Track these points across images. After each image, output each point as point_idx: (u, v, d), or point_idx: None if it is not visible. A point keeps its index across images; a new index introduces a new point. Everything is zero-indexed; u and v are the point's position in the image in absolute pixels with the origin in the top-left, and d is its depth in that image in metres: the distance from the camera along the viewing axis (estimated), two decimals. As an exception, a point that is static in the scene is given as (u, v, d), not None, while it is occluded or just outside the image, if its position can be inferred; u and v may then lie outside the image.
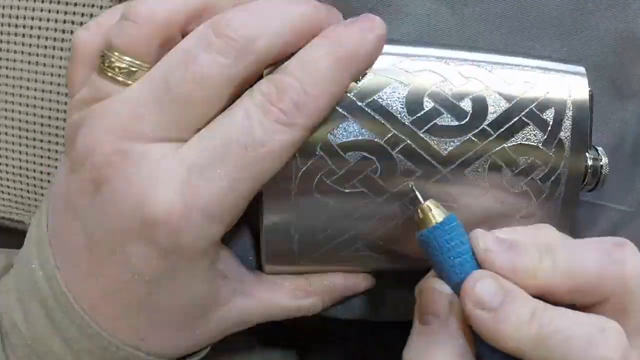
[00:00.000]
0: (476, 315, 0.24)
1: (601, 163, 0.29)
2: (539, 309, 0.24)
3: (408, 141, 0.26)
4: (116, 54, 0.24)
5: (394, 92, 0.26)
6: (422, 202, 0.27)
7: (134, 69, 0.24)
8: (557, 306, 0.24)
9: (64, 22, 0.32)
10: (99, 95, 0.24)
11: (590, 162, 0.29)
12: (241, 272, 0.28)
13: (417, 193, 0.27)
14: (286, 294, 0.29)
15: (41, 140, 0.35)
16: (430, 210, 0.26)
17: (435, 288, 0.26)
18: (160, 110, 0.23)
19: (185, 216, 0.23)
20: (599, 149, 0.30)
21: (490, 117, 0.27)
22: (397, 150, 0.26)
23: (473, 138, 0.27)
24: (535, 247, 0.25)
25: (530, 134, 0.28)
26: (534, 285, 0.24)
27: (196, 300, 0.26)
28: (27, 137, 0.35)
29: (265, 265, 0.29)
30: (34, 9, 0.33)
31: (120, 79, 0.24)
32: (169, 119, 0.23)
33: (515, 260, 0.25)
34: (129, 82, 0.24)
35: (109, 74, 0.24)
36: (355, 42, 0.24)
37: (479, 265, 0.25)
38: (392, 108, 0.26)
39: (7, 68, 0.34)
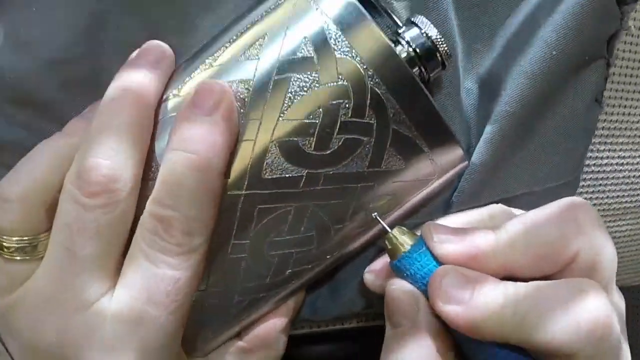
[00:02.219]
0: (449, 311, 0.23)
1: (428, 36, 0.26)
2: (510, 289, 0.23)
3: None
4: (4, 237, 0.25)
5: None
6: (389, 231, 0.26)
7: (34, 244, 0.25)
8: (529, 282, 0.24)
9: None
10: (14, 282, 0.25)
11: (407, 49, 0.27)
12: None
13: (382, 223, 0.27)
14: None
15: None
16: (397, 239, 0.26)
17: (400, 287, 0.26)
18: (77, 277, 0.24)
19: None
20: (419, 19, 0.27)
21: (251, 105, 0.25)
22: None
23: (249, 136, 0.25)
24: (489, 229, 0.25)
25: (299, 86, 0.25)
26: (497, 265, 0.24)
27: None
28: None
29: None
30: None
31: (19, 258, 0.25)
32: (88, 281, 0.24)
33: (473, 247, 0.24)
34: (35, 256, 0.25)
35: (7, 257, 0.25)
36: (208, 139, 0.24)
37: None
38: None
39: None
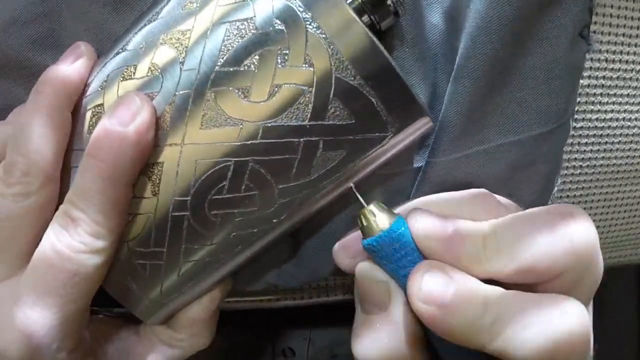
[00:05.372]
0: (427, 312, 0.22)
1: None
2: (493, 297, 0.22)
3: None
4: None
5: None
6: (365, 205, 0.25)
7: None
8: (510, 290, 0.23)
9: None
10: None
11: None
12: (122, 337, 0.30)
13: (358, 196, 0.25)
14: (164, 346, 0.30)
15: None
16: (374, 215, 0.24)
17: (373, 275, 0.25)
18: None
19: (39, 340, 0.25)
20: None
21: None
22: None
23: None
24: (478, 229, 0.23)
25: (236, 33, 0.24)
26: (480, 270, 0.23)
27: None
28: None
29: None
30: None
31: None
32: None
33: (459, 249, 0.23)
34: None
35: None
36: (116, 149, 0.24)
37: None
38: None
39: None
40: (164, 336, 0.30)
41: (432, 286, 0.22)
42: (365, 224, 0.24)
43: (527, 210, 0.25)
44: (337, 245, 0.28)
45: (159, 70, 0.25)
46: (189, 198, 0.26)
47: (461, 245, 0.23)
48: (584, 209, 0.33)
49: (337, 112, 0.24)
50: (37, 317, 0.25)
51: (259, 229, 0.26)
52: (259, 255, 0.28)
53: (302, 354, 0.41)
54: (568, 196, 0.33)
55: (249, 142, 0.25)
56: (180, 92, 0.25)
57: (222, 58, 0.24)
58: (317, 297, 0.33)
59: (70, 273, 0.25)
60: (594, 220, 0.34)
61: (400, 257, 0.24)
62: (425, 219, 0.24)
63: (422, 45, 0.27)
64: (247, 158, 0.25)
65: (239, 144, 0.25)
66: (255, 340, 0.41)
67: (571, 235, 0.23)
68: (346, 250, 0.27)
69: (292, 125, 0.24)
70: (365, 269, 0.25)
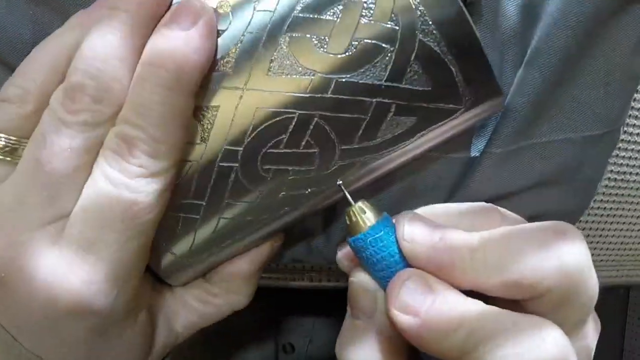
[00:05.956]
0: (401, 321, 0.22)
1: None
2: (469, 312, 0.22)
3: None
4: None
5: None
6: (353, 203, 0.24)
7: (16, 146, 0.24)
8: (491, 307, 0.22)
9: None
10: None
11: None
12: (155, 293, 0.28)
13: (346, 194, 0.24)
14: (198, 303, 0.28)
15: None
16: (359, 214, 0.24)
17: (361, 283, 0.25)
18: (38, 192, 0.23)
19: (90, 297, 0.23)
20: None
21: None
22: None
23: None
24: (466, 240, 0.23)
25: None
26: (465, 280, 0.22)
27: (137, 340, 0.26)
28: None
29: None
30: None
31: (1, 157, 0.24)
32: (47, 199, 0.23)
33: (443, 257, 0.22)
34: (14, 160, 0.24)
35: None
36: (179, 55, 0.22)
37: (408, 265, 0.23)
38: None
39: None
40: (198, 292, 0.28)
41: (410, 295, 0.22)
42: (350, 221, 0.24)
43: (520, 225, 0.24)
44: (339, 252, 0.27)
45: (229, 8, 0.23)
46: (241, 148, 0.24)
47: (446, 254, 0.23)
48: (615, 223, 0.33)
49: (415, 77, 0.23)
50: (93, 260, 0.22)
51: (311, 190, 0.25)
52: (301, 221, 0.26)
53: (301, 350, 0.40)
54: (599, 207, 0.33)
55: (319, 95, 0.23)
56: (250, 33, 0.23)
57: (302, 3, 0.23)
58: (335, 282, 0.31)
59: (128, 203, 0.22)
60: (623, 236, 0.34)
61: (381, 258, 0.23)
62: (413, 223, 0.23)
63: (494, 32, 0.27)
64: (314, 112, 0.23)
65: (307, 95, 0.23)
66: (258, 333, 0.40)
67: (561, 254, 0.23)
68: (349, 256, 0.27)
69: (367, 84, 0.23)
70: (356, 276, 0.25)
